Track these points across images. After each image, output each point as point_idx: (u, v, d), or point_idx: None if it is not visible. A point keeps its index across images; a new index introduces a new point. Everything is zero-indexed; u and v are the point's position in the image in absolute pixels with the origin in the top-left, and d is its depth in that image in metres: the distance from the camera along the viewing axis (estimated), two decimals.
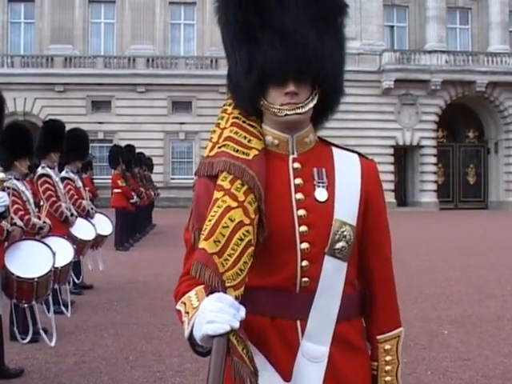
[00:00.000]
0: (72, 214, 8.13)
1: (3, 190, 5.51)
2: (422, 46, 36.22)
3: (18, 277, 5.61)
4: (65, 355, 6.04)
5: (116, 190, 15.47)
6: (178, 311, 1.78)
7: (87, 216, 8.91)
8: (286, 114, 1.83)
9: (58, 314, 7.11)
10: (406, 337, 7.02)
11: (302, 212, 1.85)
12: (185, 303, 1.77)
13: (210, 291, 1.68)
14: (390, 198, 34.72)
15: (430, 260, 13.26)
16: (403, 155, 36.94)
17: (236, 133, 1.89)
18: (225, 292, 1.67)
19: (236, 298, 1.68)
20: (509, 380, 5.35)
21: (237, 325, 1.60)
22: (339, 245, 1.85)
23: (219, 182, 1.81)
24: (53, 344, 6.16)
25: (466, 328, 7.22)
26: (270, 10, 1.81)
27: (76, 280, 8.52)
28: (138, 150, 19.34)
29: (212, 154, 1.87)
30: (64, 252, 6.60)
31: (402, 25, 38.44)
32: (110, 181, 16.21)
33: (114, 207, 15.39)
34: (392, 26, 38.19)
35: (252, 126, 1.92)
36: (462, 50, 36.87)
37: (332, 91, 1.93)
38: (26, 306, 5.87)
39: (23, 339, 6.07)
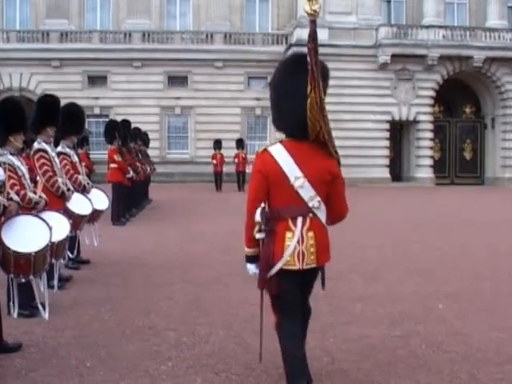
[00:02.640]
0: (68, 189, 8.11)
1: None
2: (420, 20, 35.89)
3: (15, 251, 5.61)
4: (62, 329, 6.07)
5: (112, 165, 15.44)
6: None
7: (83, 191, 8.90)
8: None
9: (52, 289, 7.13)
10: (400, 311, 7.07)
11: None
12: None
13: None
14: (384, 173, 34.75)
15: (426, 235, 13.30)
16: (399, 130, 36.89)
17: None
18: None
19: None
20: (503, 354, 5.39)
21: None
22: None
23: None
24: (46, 317, 6.19)
25: (462, 303, 7.27)
26: None
27: (70, 255, 8.50)
28: (134, 125, 19.27)
29: None
30: (60, 227, 6.59)
31: None
32: (106, 156, 16.16)
33: (110, 182, 15.39)
34: (389, 1, 37.81)
35: None
36: (460, 25, 36.52)
37: None
38: (23, 280, 5.89)
39: (21, 314, 6.10)
